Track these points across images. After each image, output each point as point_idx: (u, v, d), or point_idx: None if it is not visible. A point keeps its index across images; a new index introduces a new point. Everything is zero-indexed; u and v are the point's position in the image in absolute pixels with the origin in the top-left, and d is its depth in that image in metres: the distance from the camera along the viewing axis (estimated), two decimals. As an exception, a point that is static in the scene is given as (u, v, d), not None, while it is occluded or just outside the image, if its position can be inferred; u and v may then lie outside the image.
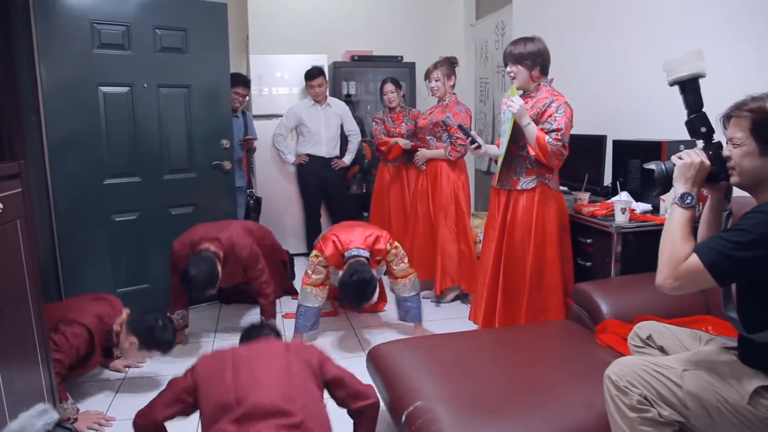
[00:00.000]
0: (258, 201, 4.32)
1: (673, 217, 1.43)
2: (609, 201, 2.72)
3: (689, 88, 1.51)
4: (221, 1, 3.57)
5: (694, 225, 1.45)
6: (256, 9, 5.03)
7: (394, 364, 2.01)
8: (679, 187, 1.46)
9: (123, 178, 3.24)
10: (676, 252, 1.36)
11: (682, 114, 2.69)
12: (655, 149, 2.64)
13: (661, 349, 1.72)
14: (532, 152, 2.50)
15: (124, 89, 3.20)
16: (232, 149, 3.63)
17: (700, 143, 1.52)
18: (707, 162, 1.44)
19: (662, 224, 2.42)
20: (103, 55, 3.11)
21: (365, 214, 5.00)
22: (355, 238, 2.90)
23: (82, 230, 3.12)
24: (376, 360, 2.12)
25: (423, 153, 3.64)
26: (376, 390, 1.88)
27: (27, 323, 1.93)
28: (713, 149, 1.46)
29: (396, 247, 2.98)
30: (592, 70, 3.37)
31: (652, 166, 1.56)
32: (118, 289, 3.27)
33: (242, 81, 4.06)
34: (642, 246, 2.49)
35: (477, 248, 3.60)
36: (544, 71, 2.59)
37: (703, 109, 1.50)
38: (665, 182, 1.53)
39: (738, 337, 1.47)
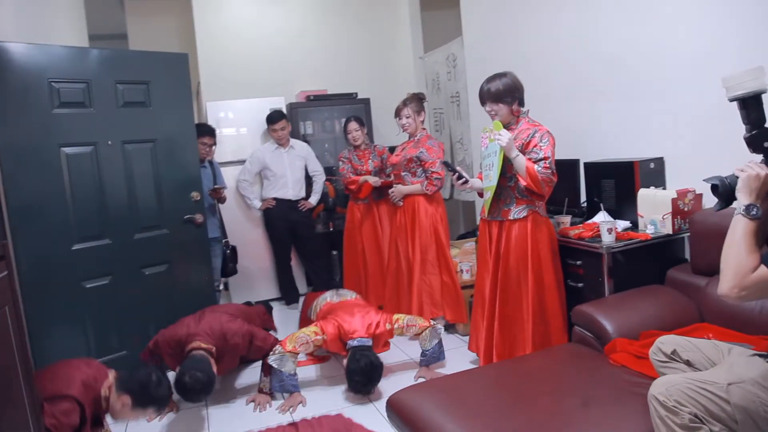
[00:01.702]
0: (234, 250, 4.19)
1: (737, 227, 1.46)
2: (590, 222, 2.82)
3: (751, 105, 1.51)
4: (173, 50, 3.49)
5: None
6: (206, 56, 4.97)
7: (419, 412, 1.97)
8: (743, 199, 1.48)
9: (92, 242, 3.06)
10: (743, 263, 1.40)
11: (647, 134, 2.86)
12: (628, 169, 2.78)
13: (688, 363, 1.76)
14: (523, 182, 2.56)
15: (88, 148, 3.05)
16: (202, 201, 3.52)
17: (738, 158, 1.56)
18: None
19: (646, 240, 2.58)
20: (64, 115, 2.95)
21: (334, 253, 4.96)
22: (357, 327, 2.90)
23: (51, 301, 2.91)
24: (398, 410, 2.06)
25: (399, 189, 3.65)
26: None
27: (23, 422, 1.77)
28: None
29: (397, 320, 2.98)
30: (554, 97, 3.48)
31: (715, 181, 1.57)
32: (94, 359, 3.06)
33: (208, 131, 3.98)
34: (629, 262, 2.60)
35: (459, 278, 3.64)
36: (522, 103, 2.68)
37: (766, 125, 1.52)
38: (728, 196, 1.55)
39: None
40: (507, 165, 2.60)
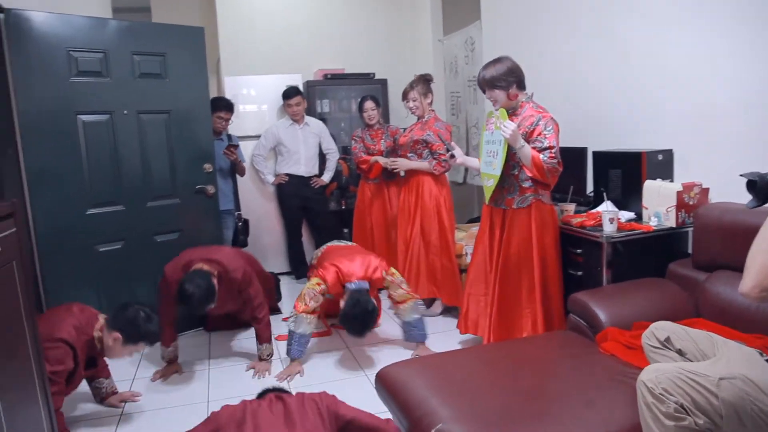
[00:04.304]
0: (246, 223, 4.28)
1: None
2: (594, 211, 2.81)
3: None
4: (195, 24, 3.55)
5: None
6: (227, 31, 5.01)
7: (405, 387, 2.01)
8: None
9: (106, 207, 3.17)
10: None
11: (657, 125, 2.83)
12: (636, 159, 2.76)
13: (680, 352, 1.76)
14: (528, 173, 2.56)
15: (104, 117, 3.14)
16: (214, 173, 3.59)
17: None
18: None
19: (648, 231, 2.57)
20: (81, 83, 3.05)
21: (345, 231, 5.01)
22: (355, 269, 2.93)
23: (66, 263, 3.03)
24: (386, 383, 2.11)
25: (404, 162, 3.68)
26: (394, 421, 1.91)
27: (28, 371, 1.86)
28: None
29: (392, 274, 3.02)
30: (567, 83, 3.46)
31: (753, 177, 1.52)
32: (105, 321, 3.19)
33: (225, 105, 4.03)
34: (630, 253, 2.60)
35: (462, 261, 3.66)
36: (521, 86, 2.65)
37: None
38: (766, 193, 1.51)
39: None
40: (510, 153, 2.60)
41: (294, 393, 1.93)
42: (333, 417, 1.83)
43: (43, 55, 2.91)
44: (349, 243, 3.49)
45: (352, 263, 2.96)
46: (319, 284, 2.91)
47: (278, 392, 1.96)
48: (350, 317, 2.77)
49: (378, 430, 1.87)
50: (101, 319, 2.38)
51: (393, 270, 3.05)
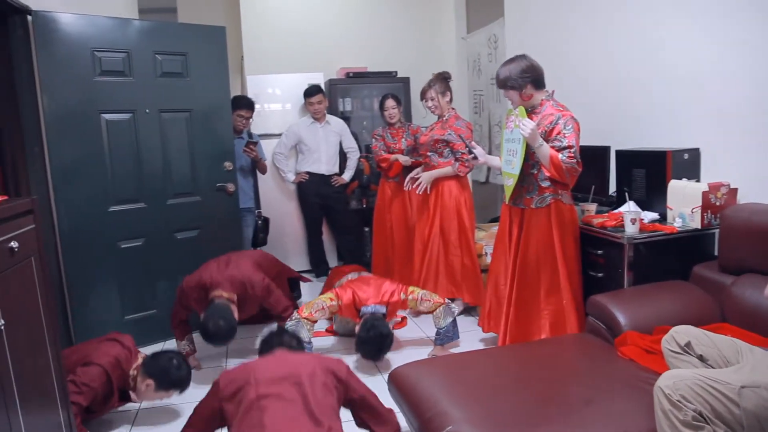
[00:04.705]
0: (266, 221, 4.30)
1: None
2: (616, 211, 2.74)
3: None
4: (219, 24, 3.58)
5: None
6: (250, 30, 5.05)
7: (417, 387, 1.99)
8: None
9: (128, 205, 3.23)
10: None
11: (683, 123, 2.75)
12: (660, 159, 2.68)
13: (701, 358, 1.70)
14: (546, 172, 2.51)
15: (127, 115, 3.19)
16: (235, 171, 3.62)
17: None
18: None
19: (671, 233, 2.49)
20: (105, 82, 3.10)
21: (366, 229, 5.00)
22: (371, 294, 2.93)
23: (89, 258, 3.10)
24: (398, 383, 2.10)
25: (429, 175, 3.56)
26: (396, 415, 1.89)
27: (45, 364, 1.90)
28: None
29: (412, 292, 3.00)
30: (591, 81, 3.39)
31: None
32: (126, 316, 3.26)
33: (246, 104, 4.06)
34: (653, 255, 2.52)
35: (482, 261, 3.61)
36: (538, 85, 2.58)
37: None
38: None
39: None
40: (530, 152, 2.55)
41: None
42: (345, 384, 1.81)
43: (68, 55, 2.98)
44: (366, 275, 3.50)
45: (369, 287, 2.97)
46: (332, 299, 2.92)
47: (286, 348, 1.99)
48: (365, 341, 2.77)
49: (381, 416, 1.86)
50: (140, 358, 2.47)
51: (412, 288, 3.04)
